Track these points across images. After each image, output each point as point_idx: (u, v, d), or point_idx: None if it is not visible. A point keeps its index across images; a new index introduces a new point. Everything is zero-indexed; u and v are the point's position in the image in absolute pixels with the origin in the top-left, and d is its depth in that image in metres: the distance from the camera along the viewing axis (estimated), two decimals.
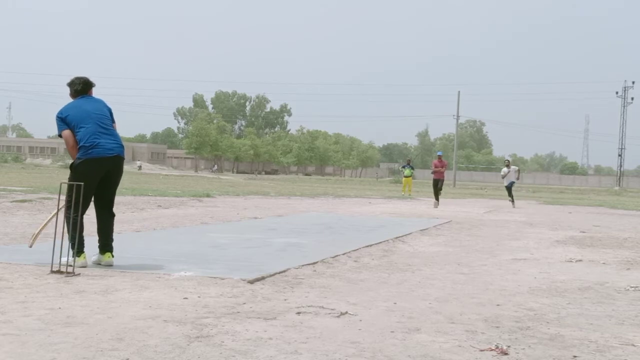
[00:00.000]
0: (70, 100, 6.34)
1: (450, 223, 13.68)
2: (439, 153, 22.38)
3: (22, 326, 3.84)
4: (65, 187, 6.06)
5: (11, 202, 13.45)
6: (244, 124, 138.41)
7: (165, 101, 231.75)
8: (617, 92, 78.51)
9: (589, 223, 15.72)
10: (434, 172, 21.32)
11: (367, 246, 8.67)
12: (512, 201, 23.23)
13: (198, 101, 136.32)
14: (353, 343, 3.81)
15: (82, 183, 5.91)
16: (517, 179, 24.02)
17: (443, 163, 21.45)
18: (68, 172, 6.38)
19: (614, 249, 9.77)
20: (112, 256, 6.18)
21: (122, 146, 6.32)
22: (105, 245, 6.20)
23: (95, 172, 6.07)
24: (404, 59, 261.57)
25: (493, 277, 6.68)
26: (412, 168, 33.38)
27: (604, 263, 8.12)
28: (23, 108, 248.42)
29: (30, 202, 13.70)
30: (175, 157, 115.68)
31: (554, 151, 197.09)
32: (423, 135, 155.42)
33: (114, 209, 6.43)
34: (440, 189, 21.01)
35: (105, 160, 6.10)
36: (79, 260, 5.90)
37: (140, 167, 75.76)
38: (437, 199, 20.55)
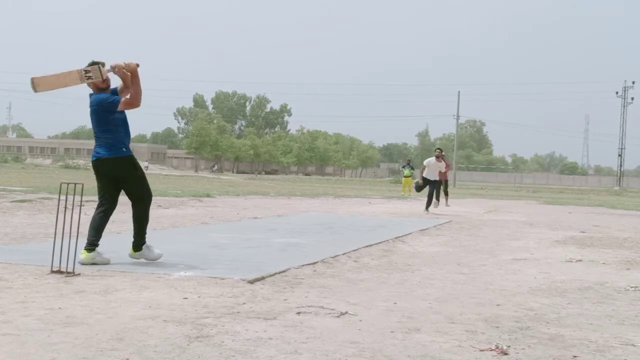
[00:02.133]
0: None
1: (450, 223, 13.68)
2: None
3: (22, 326, 3.84)
4: (64, 187, 6.06)
5: (11, 202, 13.45)
6: (244, 124, 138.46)
7: (165, 101, 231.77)
8: (617, 92, 78.61)
9: (588, 223, 15.71)
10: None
11: (367, 246, 8.66)
12: (433, 204, 17.23)
13: (198, 101, 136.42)
14: (353, 343, 3.81)
15: (82, 183, 5.97)
16: (444, 172, 17.73)
17: (446, 162, 21.36)
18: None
19: (614, 249, 9.77)
20: (134, 251, 6.47)
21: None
22: (133, 241, 6.49)
23: None
24: (404, 59, 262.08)
25: (493, 277, 6.68)
26: (412, 168, 33.37)
27: (604, 263, 8.12)
28: (23, 108, 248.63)
29: (30, 202, 13.70)
30: (175, 157, 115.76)
31: (554, 151, 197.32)
32: (423, 135, 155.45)
33: (139, 205, 6.58)
34: (447, 192, 20.86)
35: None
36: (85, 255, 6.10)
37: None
38: (437, 199, 20.49)
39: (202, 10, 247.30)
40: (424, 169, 17.33)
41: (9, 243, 7.55)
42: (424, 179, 17.26)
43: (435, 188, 17.28)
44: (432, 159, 17.37)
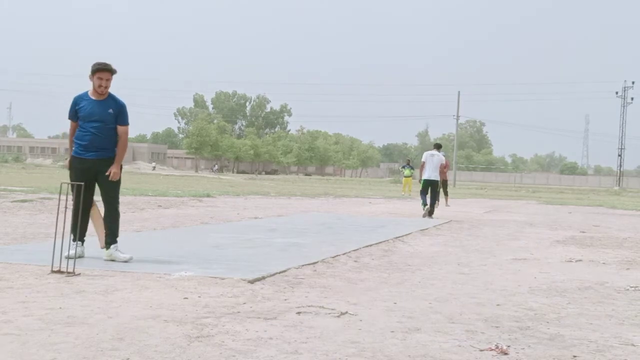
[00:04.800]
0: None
1: (450, 223, 13.68)
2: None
3: (23, 326, 3.84)
4: (64, 187, 6.08)
5: (11, 202, 13.46)
6: (244, 124, 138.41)
7: (165, 101, 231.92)
8: (617, 92, 78.60)
9: (588, 223, 15.71)
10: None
11: (367, 246, 8.67)
12: (430, 212, 14.93)
13: (198, 101, 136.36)
14: (353, 343, 3.81)
15: (82, 183, 6.03)
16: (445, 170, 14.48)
17: (445, 163, 21.29)
18: (68, 172, 6.54)
19: (614, 249, 9.77)
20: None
21: None
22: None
23: None
24: (404, 59, 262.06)
25: (493, 277, 6.68)
26: (412, 168, 33.36)
27: (604, 263, 8.12)
28: (23, 108, 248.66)
29: (31, 202, 13.71)
30: (175, 157, 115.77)
31: (554, 151, 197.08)
32: (423, 135, 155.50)
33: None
34: (447, 192, 20.84)
35: None
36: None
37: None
38: (437, 199, 20.43)
39: (203, 10, 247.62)
40: (423, 166, 15.42)
41: (10, 243, 7.56)
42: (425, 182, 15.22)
43: (435, 190, 15.41)
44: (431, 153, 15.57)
